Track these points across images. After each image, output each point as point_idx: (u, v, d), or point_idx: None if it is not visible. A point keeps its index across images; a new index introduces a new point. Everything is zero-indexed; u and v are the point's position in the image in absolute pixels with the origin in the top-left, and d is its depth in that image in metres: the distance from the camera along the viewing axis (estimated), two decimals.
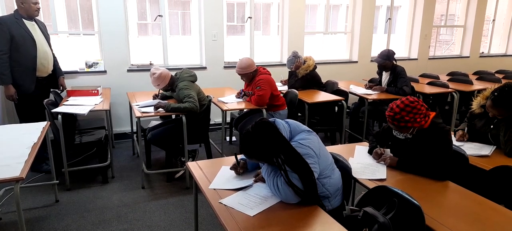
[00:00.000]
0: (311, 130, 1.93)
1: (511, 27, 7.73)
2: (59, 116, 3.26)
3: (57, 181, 3.26)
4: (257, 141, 1.72)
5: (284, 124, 1.87)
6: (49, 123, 2.88)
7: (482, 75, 5.86)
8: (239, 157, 2.08)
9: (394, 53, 4.45)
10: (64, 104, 3.60)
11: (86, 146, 3.72)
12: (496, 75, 5.91)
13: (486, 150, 2.47)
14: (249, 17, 5.49)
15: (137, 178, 3.69)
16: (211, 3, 5.01)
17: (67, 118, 3.52)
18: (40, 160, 3.68)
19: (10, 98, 3.57)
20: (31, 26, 3.61)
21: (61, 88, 4.03)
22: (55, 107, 3.47)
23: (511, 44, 7.78)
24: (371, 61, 6.16)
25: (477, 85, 5.14)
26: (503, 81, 5.30)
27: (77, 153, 3.91)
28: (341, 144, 4.35)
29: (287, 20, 5.56)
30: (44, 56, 3.68)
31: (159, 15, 4.94)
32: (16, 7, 3.58)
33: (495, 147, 2.50)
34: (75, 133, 3.87)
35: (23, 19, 3.56)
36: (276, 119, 1.87)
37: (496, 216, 1.68)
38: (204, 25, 5.07)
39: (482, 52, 7.57)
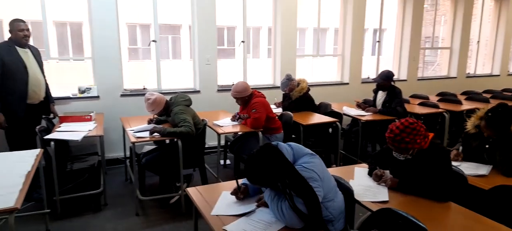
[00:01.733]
0: (314, 153, 1.92)
1: (495, 49, 7.99)
2: (52, 143, 3.20)
3: (49, 210, 3.16)
4: (263, 166, 1.70)
5: (287, 148, 1.87)
6: (42, 150, 2.81)
7: (470, 95, 5.99)
8: (240, 181, 2.06)
9: (393, 75, 4.59)
10: (56, 131, 3.54)
11: (78, 173, 3.64)
12: (484, 95, 6.05)
13: (483, 169, 2.49)
14: (242, 41, 5.55)
15: (131, 205, 3.61)
16: (204, 27, 5.06)
17: (60, 144, 3.45)
18: (31, 188, 3.57)
19: None
20: (24, 53, 3.58)
21: (52, 116, 3.98)
22: (48, 134, 3.40)
23: (496, 64, 8.02)
24: (363, 82, 6.27)
25: (466, 105, 5.24)
26: (491, 100, 5.44)
27: (68, 180, 3.81)
28: (336, 165, 4.35)
29: (280, 43, 5.64)
30: (35, 83, 3.64)
31: (153, 41, 4.96)
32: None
33: (491, 166, 2.53)
34: (67, 160, 3.79)
35: (16, 46, 3.53)
36: (279, 143, 1.87)
37: None
38: (197, 49, 5.10)
39: (468, 73, 7.77)
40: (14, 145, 3.50)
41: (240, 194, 2.01)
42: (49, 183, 3.30)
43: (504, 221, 1.91)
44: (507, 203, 2.06)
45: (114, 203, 3.68)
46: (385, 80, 4.53)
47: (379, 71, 6.68)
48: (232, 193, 2.03)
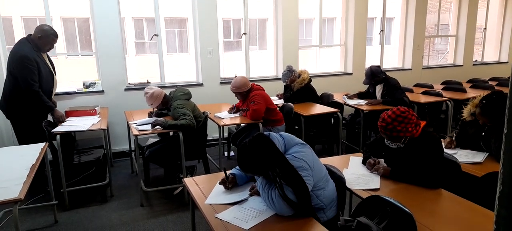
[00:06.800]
0: (304, 142, 1.96)
1: (503, 35, 7.85)
2: (58, 136, 3.30)
3: (56, 202, 3.27)
4: (253, 155, 1.75)
5: (279, 137, 1.91)
6: (47, 144, 2.91)
7: (475, 83, 5.93)
8: (229, 171, 2.12)
9: (378, 68, 4.55)
10: (62, 125, 3.64)
11: (85, 166, 3.74)
12: (490, 82, 5.98)
13: (479, 157, 2.50)
14: (243, 33, 5.58)
15: (136, 196, 3.70)
16: (206, 21, 5.10)
17: (66, 138, 3.55)
18: (45, 180, 3.66)
19: (59, 120, 3.68)
20: (45, 57, 3.67)
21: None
22: (54, 128, 3.50)
23: (504, 51, 7.89)
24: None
25: (471, 93, 5.19)
26: (497, 88, 5.37)
27: (75, 173, 3.93)
28: (338, 155, 4.38)
29: (281, 34, 5.64)
30: (55, 85, 3.80)
31: (155, 35, 5.03)
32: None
33: (487, 153, 2.54)
34: (73, 153, 3.89)
35: (41, 52, 3.60)
36: (271, 133, 1.91)
37: (489, 223, 1.70)
38: (199, 43, 5.14)
39: (475, 60, 7.66)
40: (24, 140, 3.59)
41: (228, 184, 2.06)
42: (56, 175, 3.41)
43: None
44: None
45: (120, 195, 3.78)
46: (371, 80, 4.55)
47: (383, 61, 6.68)
48: (220, 183, 2.08)
